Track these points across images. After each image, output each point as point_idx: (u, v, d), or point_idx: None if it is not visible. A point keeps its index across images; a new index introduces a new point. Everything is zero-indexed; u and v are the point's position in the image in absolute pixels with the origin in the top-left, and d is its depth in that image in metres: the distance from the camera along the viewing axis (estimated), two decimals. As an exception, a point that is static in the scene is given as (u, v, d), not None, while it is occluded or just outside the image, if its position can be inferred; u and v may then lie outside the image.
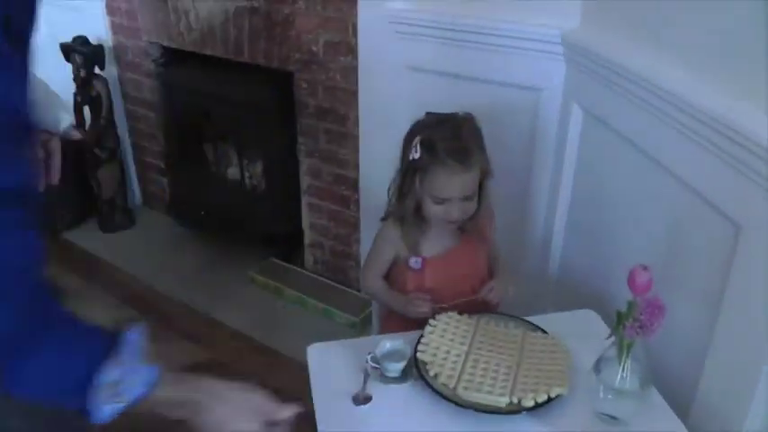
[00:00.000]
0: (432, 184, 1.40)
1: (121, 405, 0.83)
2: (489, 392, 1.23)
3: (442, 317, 1.41)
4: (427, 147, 1.38)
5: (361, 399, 1.26)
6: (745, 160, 1.11)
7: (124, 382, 0.82)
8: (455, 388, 1.25)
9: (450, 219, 1.44)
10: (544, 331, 1.42)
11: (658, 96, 1.33)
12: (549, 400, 1.22)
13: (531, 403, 1.21)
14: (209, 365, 2.30)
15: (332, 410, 1.25)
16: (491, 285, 1.49)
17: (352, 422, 1.23)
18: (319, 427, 1.22)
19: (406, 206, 1.46)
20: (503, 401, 1.22)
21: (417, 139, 1.39)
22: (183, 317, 2.60)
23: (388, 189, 1.51)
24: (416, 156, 1.39)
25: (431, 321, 1.39)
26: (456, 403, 1.22)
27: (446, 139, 1.38)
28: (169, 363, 0.87)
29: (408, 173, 1.43)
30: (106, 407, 0.82)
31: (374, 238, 1.58)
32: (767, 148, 1.05)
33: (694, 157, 1.26)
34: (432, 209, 1.43)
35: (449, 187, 1.39)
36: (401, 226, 1.49)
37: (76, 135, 1.36)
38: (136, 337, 0.86)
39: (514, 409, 1.21)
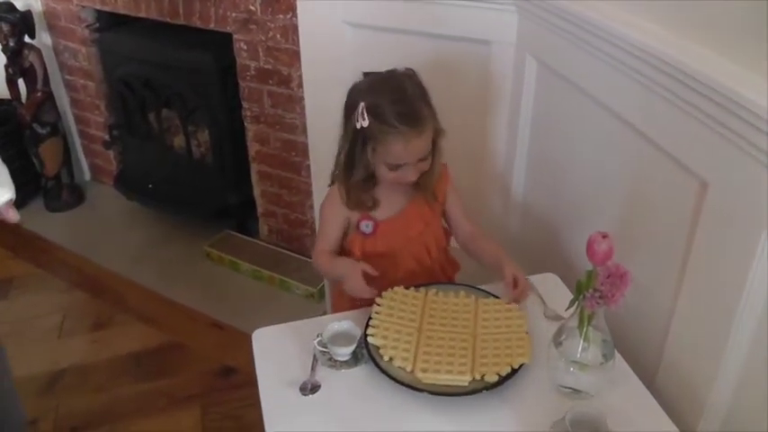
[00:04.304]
0: (387, 153, 1.31)
1: None
2: (449, 371, 1.16)
3: (388, 294, 1.33)
4: (375, 114, 1.28)
5: (309, 388, 1.18)
6: (712, 113, 1.02)
7: None
8: (412, 371, 1.17)
9: (406, 181, 1.38)
10: (496, 297, 1.34)
11: (615, 45, 1.24)
12: (513, 371, 1.16)
13: (494, 378, 1.15)
14: (168, 348, 2.24)
15: (279, 401, 1.18)
16: (515, 278, 1.35)
17: (301, 413, 1.15)
18: (265, 420, 1.14)
19: (357, 173, 1.37)
20: (465, 380, 1.15)
21: (362, 105, 1.28)
22: (137, 298, 2.51)
23: (338, 155, 1.40)
24: (365, 124, 1.29)
25: (377, 300, 1.31)
26: (417, 388, 1.14)
27: (393, 102, 1.29)
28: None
29: (358, 141, 1.33)
30: None
31: (320, 211, 1.48)
32: (736, 100, 0.95)
33: (656, 110, 1.17)
34: (387, 175, 1.36)
35: (405, 154, 1.31)
36: (346, 189, 1.41)
37: (12, 217, 1.13)
38: None
39: (478, 387, 1.14)
